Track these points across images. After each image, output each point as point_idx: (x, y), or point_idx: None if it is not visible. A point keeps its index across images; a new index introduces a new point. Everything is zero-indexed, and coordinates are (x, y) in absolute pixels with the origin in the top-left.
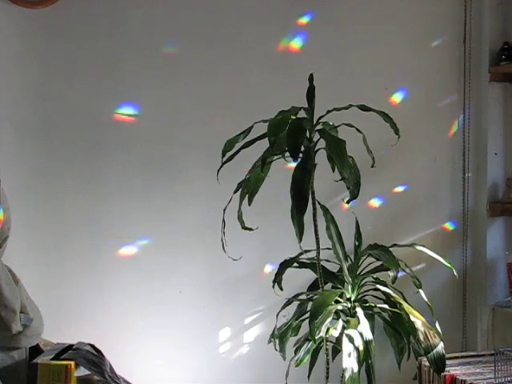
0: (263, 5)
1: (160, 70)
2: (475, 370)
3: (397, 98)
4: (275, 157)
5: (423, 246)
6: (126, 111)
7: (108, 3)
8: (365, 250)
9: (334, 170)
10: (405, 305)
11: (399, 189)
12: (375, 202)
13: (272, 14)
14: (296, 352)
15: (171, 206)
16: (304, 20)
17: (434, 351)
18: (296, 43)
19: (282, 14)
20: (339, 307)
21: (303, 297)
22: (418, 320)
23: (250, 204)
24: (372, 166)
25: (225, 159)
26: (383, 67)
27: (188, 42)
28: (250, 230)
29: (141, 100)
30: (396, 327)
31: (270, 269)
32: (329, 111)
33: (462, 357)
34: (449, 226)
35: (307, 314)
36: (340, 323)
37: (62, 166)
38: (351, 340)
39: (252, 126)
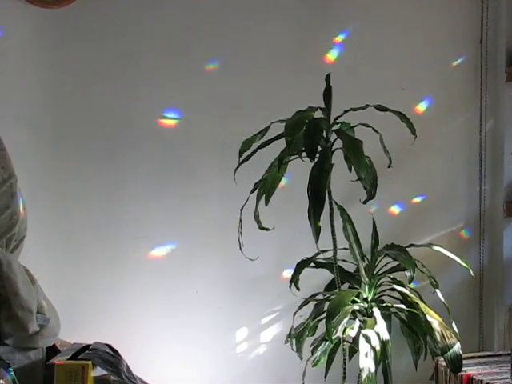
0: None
1: (175, 68)
2: (492, 369)
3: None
4: (292, 157)
5: (440, 246)
6: (141, 111)
7: (124, 4)
8: (381, 250)
9: (350, 170)
10: (421, 305)
11: (415, 189)
12: (392, 203)
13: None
14: (313, 352)
15: (187, 206)
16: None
17: (451, 351)
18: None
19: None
20: (356, 307)
21: (320, 297)
22: (434, 320)
23: (266, 204)
24: (389, 167)
25: (242, 159)
26: (400, 68)
27: (202, 41)
28: (267, 230)
29: (157, 100)
30: (413, 327)
31: (286, 269)
32: (346, 111)
33: (479, 357)
34: (465, 231)
35: (324, 314)
36: (357, 323)
37: (78, 166)
38: (368, 340)
39: (269, 126)
